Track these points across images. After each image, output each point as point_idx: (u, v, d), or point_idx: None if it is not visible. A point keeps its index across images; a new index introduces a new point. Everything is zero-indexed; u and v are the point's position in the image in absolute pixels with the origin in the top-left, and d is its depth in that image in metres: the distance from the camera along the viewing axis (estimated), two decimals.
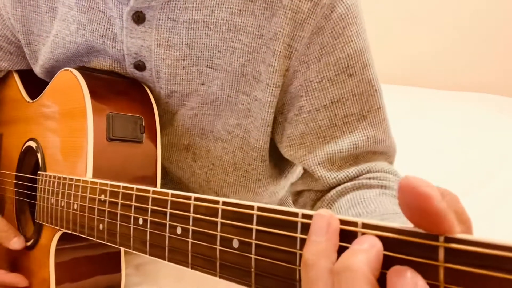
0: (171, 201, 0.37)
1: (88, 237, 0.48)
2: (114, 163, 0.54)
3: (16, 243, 0.62)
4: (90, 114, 0.54)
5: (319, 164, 0.58)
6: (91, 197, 0.48)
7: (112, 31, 0.60)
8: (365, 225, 0.25)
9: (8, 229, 0.63)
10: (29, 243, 0.62)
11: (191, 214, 0.35)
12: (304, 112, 0.57)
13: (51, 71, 0.68)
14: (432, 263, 0.22)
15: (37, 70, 0.71)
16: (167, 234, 0.37)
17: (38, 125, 0.65)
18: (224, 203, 0.32)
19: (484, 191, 1.20)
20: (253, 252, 0.30)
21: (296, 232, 0.28)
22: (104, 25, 0.60)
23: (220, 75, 0.58)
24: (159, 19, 0.57)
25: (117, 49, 0.60)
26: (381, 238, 0.24)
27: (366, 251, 0.23)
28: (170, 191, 0.37)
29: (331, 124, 0.57)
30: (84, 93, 0.56)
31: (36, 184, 0.61)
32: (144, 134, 0.57)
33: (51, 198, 0.56)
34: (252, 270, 0.30)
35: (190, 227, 0.35)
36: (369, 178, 0.56)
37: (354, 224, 0.25)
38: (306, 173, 0.62)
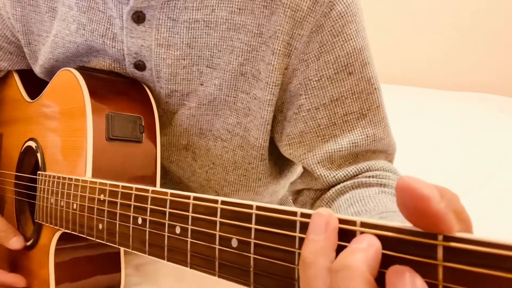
0: (170, 200, 0.37)
1: (87, 237, 0.48)
2: (113, 163, 0.54)
3: (15, 242, 0.62)
4: (90, 113, 0.54)
5: (318, 163, 0.58)
6: (90, 196, 0.48)
7: (112, 31, 0.60)
8: (363, 224, 0.25)
9: (7, 228, 0.63)
10: (28, 243, 0.62)
11: (190, 214, 0.35)
12: (304, 111, 0.57)
13: (51, 71, 0.68)
14: (431, 262, 0.22)
15: (37, 70, 0.71)
16: (166, 234, 0.37)
17: (38, 125, 0.65)
18: (223, 203, 0.32)
19: (484, 191, 1.20)
20: (252, 251, 0.30)
21: (295, 231, 0.28)
22: (104, 25, 0.60)
23: (219, 75, 0.58)
24: (159, 19, 0.57)
25: (117, 49, 0.60)
26: (379, 237, 0.24)
27: (365, 250, 0.23)
28: (169, 191, 0.37)
29: (331, 123, 0.57)
30: (83, 93, 0.56)
31: (36, 184, 0.61)
32: (143, 133, 0.57)
33: (50, 198, 0.56)
34: (251, 269, 0.30)
35: (189, 227, 0.35)
36: (369, 177, 0.56)
37: (353, 223, 0.25)
38: (306, 172, 0.62)
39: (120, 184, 0.44)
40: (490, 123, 1.53)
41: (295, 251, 0.28)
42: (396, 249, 0.23)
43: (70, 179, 0.52)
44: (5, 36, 0.70)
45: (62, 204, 0.53)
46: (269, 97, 0.56)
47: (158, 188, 0.40)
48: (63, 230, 0.53)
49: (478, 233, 0.22)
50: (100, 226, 0.46)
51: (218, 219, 0.33)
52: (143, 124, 0.57)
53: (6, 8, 0.67)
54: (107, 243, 0.46)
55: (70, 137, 0.57)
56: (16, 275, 0.63)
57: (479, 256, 0.20)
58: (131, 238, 0.42)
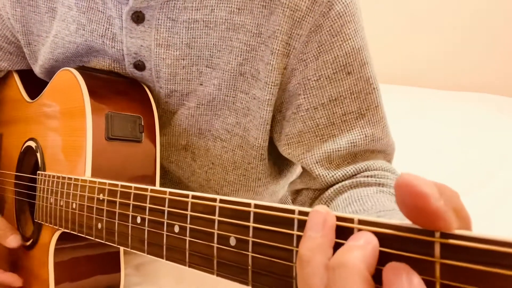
0: (169, 199, 0.37)
1: (86, 236, 0.49)
2: (113, 163, 0.54)
3: (12, 241, 0.62)
4: (89, 113, 0.54)
5: (317, 162, 0.58)
6: (89, 196, 0.48)
7: (111, 31, 0.60)
8: (361, 222, 0.25)
9: (4, 227, 0.63)
10: (28, 243, 0.62)
11: (189, 212, 0.35)
12: (302, 110, 0.57)
13: (51, 71, 0.68)
14: (428, 259, 0.22)
15: (37, 70, 0.71)
16: (164, 233, 0.37)
17: (38, 125, 0.65)
18: (222, 201, 0.32)
19: (484, 191, 1.20)
20: (250, 249, 0.30)
21: (292, 229, 0.28)
22: (104, 25, 0.60)
23: (218, 75, 0.58)
24: (159, 19, 0.57)
25: (117, 49, 0.60)
26: (377, 234, 0.24)
27: (362, 248, 0.23)
28: (168, 190, 0.37)
29: (329, 123, 0.57)
30: (83, 92, 0.56)
31: (36, 184, 0.61)
32: (143, 133, 0.57)
33: (50, 198, 0.56)
34: (249, 267, 0.30)
35: (188, 225, 0.35)
36: (367, 176, 0.56)
37: (351, 220, 0.25)
38: (305, 172, 0.62)
39: (119, 183, 0.44)
40: (490, 123, 1.53)
41: (293, 249, 0.28)
42: (393, 246, 0.23)
43: (70, 178, 0.52)
44: (5, 37, 0.71)
45: (61, 204, 0.53)
46: (268, 97, 0.56)
47: (157, 187, 0.40)
48: (63, 229, 0.53)
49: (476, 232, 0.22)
50: (99, 225, 0.46)
51: (216, 217, 0.33)
52: (142, 124, 0.58)
53: (6, 8, 0.67)
54: (106, 243, 0.46)
55: (70, 137, 0.57)
56: (12, 274, 0.63)
57: (476, 253, 0.20)
58: (130, 237, 0.42)
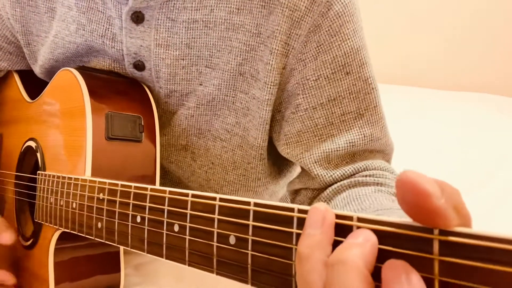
0: (169, 198, 0.37)
1: (86, 236, 0.49)
2: (113, 162, 0.54)
3: (4, 237, 0.62)
4: (89, 113, 0.54)
5: (315, 162, 0.58)
6: (89, 195, 0.48)
7: (111, 31, 0.60)
8: (360, 219, 0.25)
9: None
10: (28, 243, 0.62)
11: (189, 211, 0.35)
12: (301, 110, 0.57)
13: (51, 71, 0.68)
14: (426, 256, 0.22)
15: (37, 70, 0.71)
16: (164, 232, 0.37)
17: (38, 125, 0.65)
18: (221, 200, 0.33)
19: (484, 191, 1.20)
20: (249, 248, 0.30)
21: (292, 227, 0.28)
22: (104, 25, 0.60)
23: (218, 75, 0.58)
24: (158, 19, 0.57)
25: (117, 49, 0.60)
26: (376, 232, 0.24)
27: (361, 245, 0.23)
28: (168, 189, 0.38)
29: (328, 122, 0.57)
30: (83, 92, 0.56)
31: (36, 184, 0.61)
32: (143, 133, 0.57)
33: (50, 197, 0.56)
34: (249, 266, 0.30)
35: (188, 224, 0.35)
36: (365, 176, 0.57)
37: (350, 218, 0.25)
38: (303, 172, 0.62)
39: (119, 182, 0.44)
40: (490, 123, 1.53)
41: (292, 247, 0.28)
42: (392, 243, 0.23)
43: (70, 178, 0.52)
44: (4, 37, 0.71)
45: (61, 204, 0.53)
46: (268, 97, 0.56)
47: (157, 186, 0.40)
48: (63, 229, 0.53)
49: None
50: (99, 224, 0.46)
51: (216, 216, 0.33)
52: (142, 123, 0.58)
53: (6, 8, 0.67)
54: (106, 242, 0.46)
55: (70, 137, 0.57)
56: (5, 272, 0.63)
57: (475, 250, 0.20)
58: (130, 237, 0.42)
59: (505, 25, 1.88)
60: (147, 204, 0.40)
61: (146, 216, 0.40)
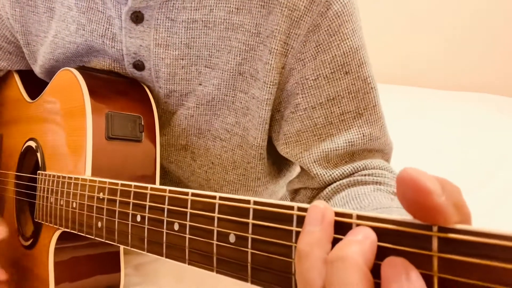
0: (169, 197, 0.37)
1: (86, 235, 0.49)
2: (113, 162, 0.54)
3: None
4: (89, 113, 0.54)
5: (314, 161, 0.58)
6: (89, 195, 0.48)
7: (111, 31, 0.60)
8: (359, 217, 0.25)
9: None
10: (28, 243, 0.62)
11: (189, 210, 0.35)
12: (300, 110, 0.57)
13: (51, 71, 0.68)
14: (425, 253, 0.22)
15: (37, 70, 0.71)
16: (164, 230, 0.37)
17: (38, 124, 0.65)
18: (221, 198, 0.33)
19: (484, 191, 1.20)
20: (249, 246, 0.30)
21: (292, 225, 0.28)
22: (103, 25, 0.60)
23: (217, 74, 0.58)
24: (158, 19, 0.57)
25: (116, 49, 0.60)
26: (375, 229, 0.24)
27: (360, 242, 0.23)
28: (168, 188, 0.38)
29: (327, 122, 0.57)
30: (83, 92, 0.56)
31: (36, 184, 0.61)
32: (143, 133, 0.57)
33: (50, 197, 0.56)
34: (249, 264, 0.30)
35: (187, 223, 0.35)
36: (364, 175, 0.57)
37: (349, 215, 0.25)
38: (303, 171, 0.62)
39: (119, 182, 0.44)
40: (490, 123, 1.53)
41: (292, 245, 0.28)
42: (392, 241, 0.23)
43: (70, 178, 0.52)
44: (4, 36, 0.71)
45: (61, 203, 0.53)
46: (267, 96, 0.56)
47: (157, 185, 0.40)
48: (63, 229, 0.53)
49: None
50: (99, 224, 0.46)
51: (216, 214, 0.33)
52: (142, 123, 0.58)
53: (6, 8, 0.67)
54: (106, 241, 0.46)
55: (70, 137, 0.57)
56: None
57: (473, 247, 0.20)
58: (130, 236, 0.42)
59: (505, 25, 1.88)
60: (147, 203, 0.40)
61: (146, 215, 0.40)
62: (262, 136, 0.60)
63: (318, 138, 0.58)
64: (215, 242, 0.33)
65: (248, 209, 0.31)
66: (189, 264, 0.35)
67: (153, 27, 0.57)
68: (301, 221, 0.27)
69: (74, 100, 0.57)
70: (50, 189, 0.56)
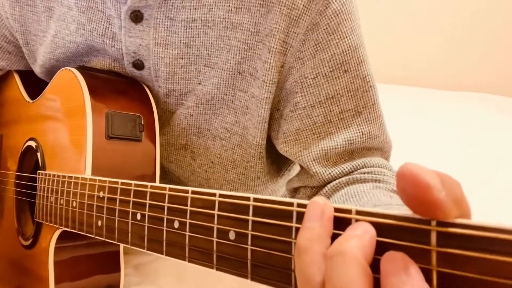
0: (169, 195, 0.37)
1: (86, 234, 0.49)
2: (113, 161, 0.54)
3: None
4: (90, 112, 0.54)
5: (314, 160, 0.58)
6: (90, 194, 0.48)
7: (111, 30, 0.60)
8: (359, 212, 0.25)
9: None
10: (28, 242, 0.62)
11: (188, 208, 0.35)
12: (299, 108, 0.57)
13: (51, 71, 0.68)
14: (424, 248, 0.22)
15: (37, 70, 0.71)
16: (164, 228, 0.37)
17: (38, 124, 0.65)
18: (221, 195, 0.33)
19: (484, 191, 1.20)
20: (249, 243, 0.30)
21: (291, 222, 0.28)
22: (103, 25, 0.60)
23: (217, 74, 0.58)
24: (157, 18, 0.57)
25: (116, 48, 0.60)
26: (374, 224, 0.24)
27: (359, 237, 0.23)
28: (168, 186, 0.38)
29: (326, 120, 0.57)
30: (83, 92, 0.56)
31: (36, 183, 0.61)
32: (143, 132, 0.57)
33: (50, 197, 0.56)
34: (249, 261, 0.30)
35: (187, 221, 0.35)
36: (364, 173, 0.57)
37: (348, 211, 0.25)
38: (302, 170, 0.62)
39: (120, 180, 0.44)
40: (490, 123, 1.53)
41: (292, 241, 0.28)
42: (390, 235, 0.23)
43: (70, 177, 0.52)
44: (4, 36, 0.71)
45: (61, 203, 0.53)
46: (266, 95, 0.56)
47: (157, 183, 0.40)
48: (63, 228, 0.53)
49: None
50: (99, 223, 0.46)
51: (216, 212, 0.33)
52: (142, 123, 0.58)
53: (5, 8, 0.67)
54: (106, 240, 0.46)
55: (70, 136, 0.57)
56: None
57: (472, 240, 0.20)
58: (130, 234, 0.42)
59: (505, 25, 1.88)
60: (147, 202, 0.40)
61: (146, 213, 0.40)
62: (261, 135, 0.60)
63: (317, 137, 0.58)
64: (215, 239, 0.33)
65: (248, 206, 0.31)
66: (189, 261, 0.35)
67: (153, 26, 0.57)
68: (300, 217, 0.27)
69: (74, 99, 0.57)
70: (50, 189, 0.56)
